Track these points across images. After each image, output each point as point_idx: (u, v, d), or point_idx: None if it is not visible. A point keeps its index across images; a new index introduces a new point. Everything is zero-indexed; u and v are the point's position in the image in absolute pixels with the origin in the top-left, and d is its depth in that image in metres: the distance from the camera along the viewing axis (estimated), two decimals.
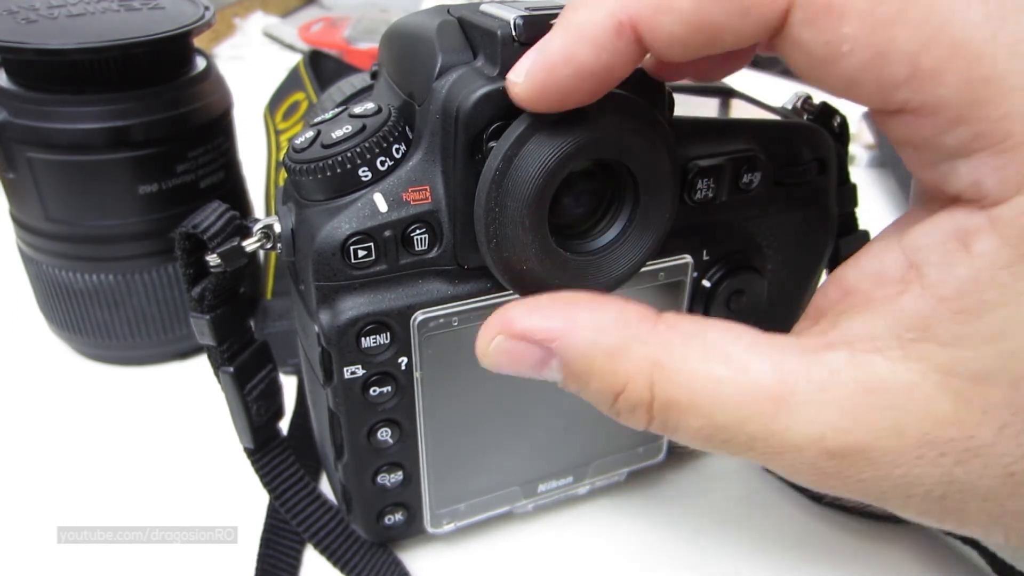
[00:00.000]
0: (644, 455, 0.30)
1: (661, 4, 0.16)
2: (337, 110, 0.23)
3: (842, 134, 0.28)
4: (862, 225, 0.30)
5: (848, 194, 0.29)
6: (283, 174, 0.23)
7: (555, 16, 0.19)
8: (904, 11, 0.15)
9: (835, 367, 0.16)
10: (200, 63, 0.35)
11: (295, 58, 0.64)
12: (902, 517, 0.18)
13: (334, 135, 0.21)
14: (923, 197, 0.18)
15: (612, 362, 0.18)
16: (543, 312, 0.19)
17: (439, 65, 0.20)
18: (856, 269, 0.18)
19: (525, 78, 0.17)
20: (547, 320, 0.19)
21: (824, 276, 0.30)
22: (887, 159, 0.57)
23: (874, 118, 0.17)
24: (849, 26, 0.15)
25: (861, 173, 0.56)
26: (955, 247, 0.16)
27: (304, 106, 0.43)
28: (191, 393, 0.36)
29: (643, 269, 0.24)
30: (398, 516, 0.27)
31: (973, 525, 0.17)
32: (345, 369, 0.22)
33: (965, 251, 0.15)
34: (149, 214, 0.33)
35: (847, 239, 0.30)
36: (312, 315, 0.22)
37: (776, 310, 0.29)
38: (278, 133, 0.44)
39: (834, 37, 0.15)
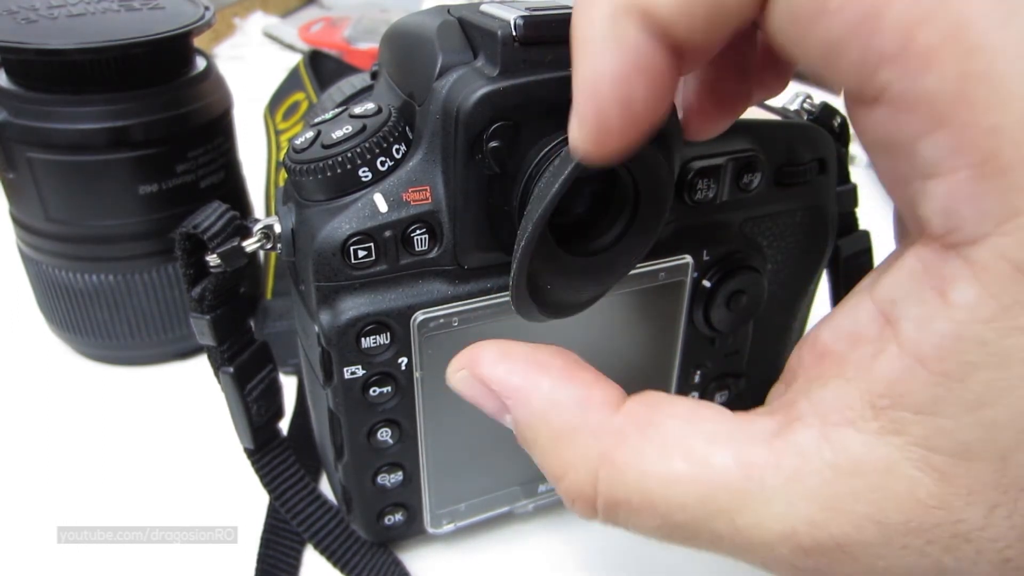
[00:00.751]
0: None
1: None
2: (337, 110, 0.23)
3: (842, 134, 0.28)
4: (862, 225, 0.30)
5: (848, 194, 0.29)
6: (283, 174, 0.23)
7: (555, 16, 0.19)
8: None
9: (805, 450, 0.15)
10: (200, 63, 0.35)
11: (295, 58, 0.64)
12: None
13: (334, 135, 0.21)
14: (900, 230, 0.17)
15: (556, 444, 0.17)
16: (510, 365, 0.18)
17: (439, 65, 0.20)
18: (831, 329, 0.16)
19: (579, 128, 0.15)
20: (510, 375, 0.18)
21: (824, 277, 0.30)
22: None
23: (849, 111, 0.15)
24: None
25: (861, 173, 0.56)
26: (931, 297, 0.13)
27: (304, 106, 0.43)
28: (191, 393, 0.36)
29: (644, 269, 0.24)
30: (398, 516, 0.27)
31: None
32: (345, 369, 0.22)
33: (942, 302, 0.13)
34: (149, 214, 0.33)
35: (847, 239, 0.30)
36: (312, 315, 0.22)
37: (776, 310, 0.29)
38: (278, 133, 0.44)
39: None
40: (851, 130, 0.28)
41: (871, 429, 0.14)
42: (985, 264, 0.13)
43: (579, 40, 0.15)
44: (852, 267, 0.30)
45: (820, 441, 0.15)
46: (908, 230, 0.15)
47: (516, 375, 0.18)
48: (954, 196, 0.13)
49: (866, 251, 0.31)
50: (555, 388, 0.18)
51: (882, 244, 0.30)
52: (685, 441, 0.16)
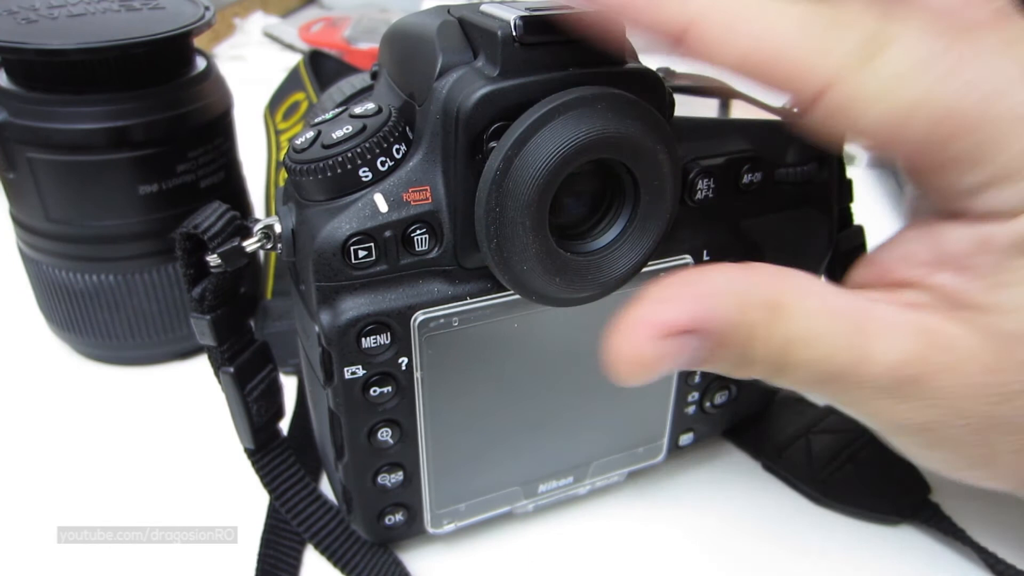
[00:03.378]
0: (644, 455, 0.30)
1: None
2: (337, 110, 0.23)
3: None
4: (861, 223, 0.30)
5: (844, 190, 0.29)
6: (283, 174, 0.23)
7: (555, 16, 0.19)
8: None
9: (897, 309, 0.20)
10: (200, 63, 0.35)
11: (295, 58, 0.64)
12: (933, 465, 0.22)
13: (334, 135, 0.21)
14: (932, 212, 0.21)
15: (762, 315, 0.19)
16: (672, 300, 0.19)
17: (439, 65, 0.20)
18: (887, 253, 0.22)
19: None
20: (682, 304, 0.19)
21: (822, 279, 0.30)
22: (887, 159, 0.57)
23: (913, 173, 0.21)
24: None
25: (860, 173, 0.56)
26: (981, 247, 0.19)
27: (304, 106, 0.43)
28: (191, 393, 0.36)
29: (644, 269, 0.24)
30: (398, 516, 0.27)
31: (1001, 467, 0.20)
32: (345, 369, 0.22)
33: (987, 252, 0.19)
34: (149, 214, 0.33)
35: (843, 234, 0.30)
36: (313, 315, 0.22)
37: None
38: (278, 133, 0.44)
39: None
40: None
41: (945, 318, 0.19)
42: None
43: None
44: (847, 263, 0.30)
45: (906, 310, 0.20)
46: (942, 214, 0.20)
47: (685, 300, 0.19)
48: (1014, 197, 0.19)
49: (860, 247, 0.31)
50: (724, 279, 0.20)
51: (878, 241, 0.30)
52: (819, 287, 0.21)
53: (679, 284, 0.19)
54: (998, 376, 0.19)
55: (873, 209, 0.48)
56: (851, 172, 0.29)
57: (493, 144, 0.19)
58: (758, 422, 0.33)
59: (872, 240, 0.31)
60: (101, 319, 0.35)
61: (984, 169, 0.18)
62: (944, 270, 0.20)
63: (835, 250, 0.30)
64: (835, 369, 0.19)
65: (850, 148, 0.29)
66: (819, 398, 0.21)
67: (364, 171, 0.21)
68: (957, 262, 0.20)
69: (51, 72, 0.31)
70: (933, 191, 0.20)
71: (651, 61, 0.22)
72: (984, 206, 0.19)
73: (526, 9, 0.19)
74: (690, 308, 0.18)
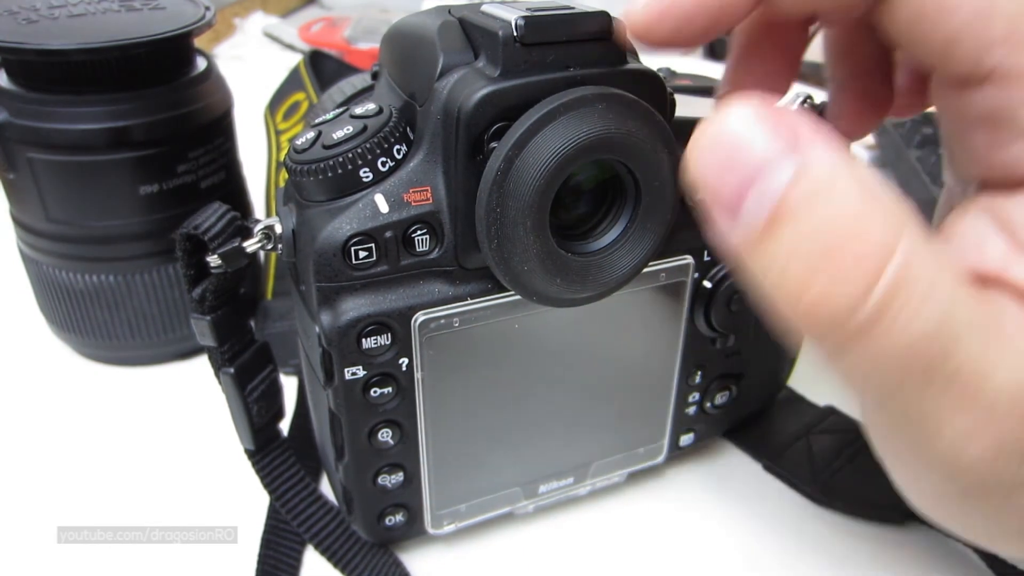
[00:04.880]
0: (644, 456, 0.30)
1: None
2: (338, 111, 0.23)
3: None
4: None
5: None
6: (284, 174, 0.23)
7: (556, 16, 0.19)
8: None
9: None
10: (201, 63, 0.35)
11: (295, 58, 0.64)
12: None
13: (335, 136, 0.21)
14: (978, 186, 0.18)
15: (866, 201, 0.14)
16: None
17: (440, 66, 0.20)
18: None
19: (644, 5, 0.18)
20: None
21: None
22: (887, 159, 0.57)
23: (948, 97, 0.18)
24: None
25: None
26: None
27: (304, 106, 0.43)
28: (191, 393, 0.36)
29: (645, 269, 0.24)
30: (399, 517, 0.27)
31: None
32: (346, 370, 0.22)
33: None
34: (150, 215, 0.33)
35: None
36: (313, 316, 0.22)
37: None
38: (278, 133, 0.44)
39: None
40: None
41: None
42: None
43: None
44: None
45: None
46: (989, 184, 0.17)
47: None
48: None
49: None
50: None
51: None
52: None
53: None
54: None
55: None
56: None
57: (494, 144, 0.19)
58: (758, 422, 0.33)
59: None
60: (101, 319, 0.35)
61: None
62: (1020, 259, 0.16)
63: None
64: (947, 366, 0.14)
65: (854, 148, 0.29)
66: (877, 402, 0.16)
67: (365, 171, 0.21)
68: None
69: (51, 72, 0.31)
70: (983, 138, 0.17)
71: (651, 61, 0.22)
72: None
73: (527, 9, 0.19)
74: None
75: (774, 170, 0.14)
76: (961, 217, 0.17)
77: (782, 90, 0.22)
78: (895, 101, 0.23)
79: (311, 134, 0.22)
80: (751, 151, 0.14)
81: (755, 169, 0.14)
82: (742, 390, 0.30)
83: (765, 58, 0.23)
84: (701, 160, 0.15)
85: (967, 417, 0.14)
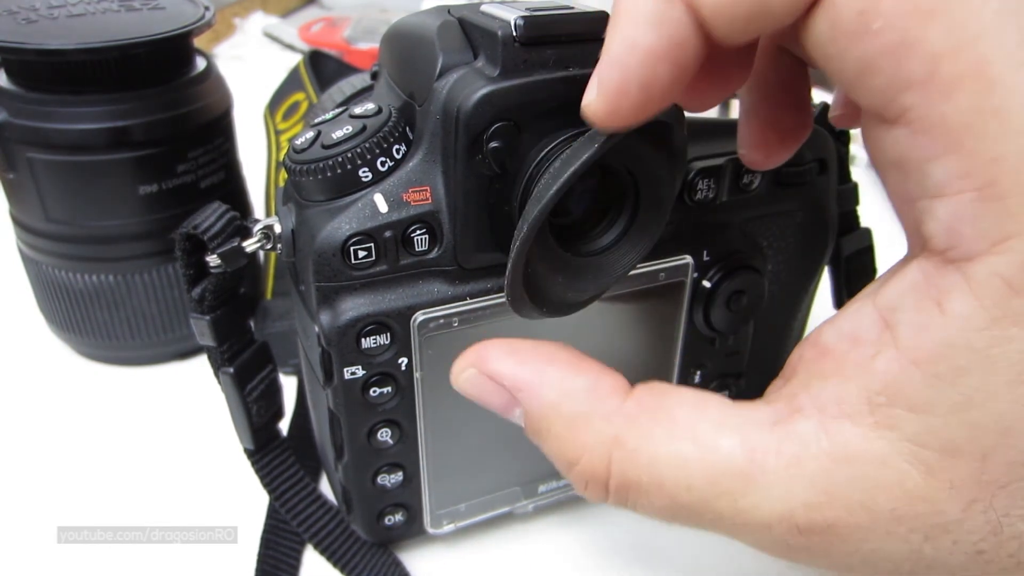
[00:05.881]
0: None
1: None
2: (337, 110, 0.23)
3: (843, 134, 0.28)
4: (863, 223, 0.30)
5: (849, 193, 0.29)
6: (283, 174, 0.23)
7: (556, 16, 0.19)
8: (944, 10, 0.13)
9: (805, 439, 0.16)
10: (200, 63, 0.35)
11: (295, 58, 0.64)
12: None
13: (334, 136, 0.21)
14: (907, 244, 0.17)
15: (570, 430, 0.18)
16: (518, 358, 0.19)
17: (440, 66, 0.20)
18: (833, 329, 0.17)
19: (597, 92, 0.16)
20: (519, 367, 0.19)
21: (825, 276, 0.30)
22: None
23: (866, 129, 0.16)
24: (889, 2, 0.14)
25: (861, 173, 0.56)
26: (929, 306, 0.15)
27: (304, 106, 0.43)
28: (191, 393, 0.36)
29: (644, 269, 0.24)
30: (398, 517, 0.27)
31: None
32: (345, 370, 0.22)
33: (939, 311, 0.14)
34: (149, 214, 0.33)
35: (848, 237, 0.30)
36: (312, 316, 0.22)
37: (776, 310, 0.29)
38: (278, 133, 0.44)
39: (870, 7, 0.14)
40: (851, 131, 0.28)
41: (867, 423, 0.15)
42: (979, 279, 0.14)
43: (623, 10, 0.16)
44: (854, 265, 0.30)
45: (819, 431, 0.16)
46: (911, 245, 0.16)
47: (526, 368, 0.19)
48: (956, 216, 0.14)
49: (868, 249, 0.31)
50: (565, 378, 0.19)
51: (883, 242, 0.30)
52: (693, 426, 0.17)
53: (540, 352, 0.19)
54: (923, 506, 0.15)
55: (873, 210, 0.48)
56: (853, 174, 0.29)
57: (493, 144, 0.19)
58: None
59: (879, 241, 0.31)
60: (101, 319, 0.35)
61: (959, 159, 0.14)
62: (884, 351, 0.16)
63: (840, 253, 0.30)
64: (707, 517, 0.17)
65: (854, 148, 0.29)
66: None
67: (364, 171, 0.21)
68: (899, 337, 0.15)
69: (51, 72, 0.31)
70: (894, 185, 0.16)
71: None
72: (938, 224, 0.15)
73: (526, 9, 0.19)
74: (516, 372, 0.19)
75: (513, 416, 0.20)
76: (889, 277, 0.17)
77: (799, 129, 0.21)
78: (838, 113, 0.21)
79: (310, 134, 0.22)
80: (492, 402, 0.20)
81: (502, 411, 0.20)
82: (741, 390, 0.30)
83: (772, 104, 0.21)
84: (463, 390, 0.20)
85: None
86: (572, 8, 0.20)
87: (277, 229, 0.23)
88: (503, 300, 0.23)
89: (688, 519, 0.17)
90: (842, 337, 0.17)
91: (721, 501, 0.16)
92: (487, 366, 0.19)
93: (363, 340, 0.22)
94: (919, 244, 0.15)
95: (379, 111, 0.22)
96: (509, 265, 0.19)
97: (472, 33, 0.21)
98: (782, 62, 0.20)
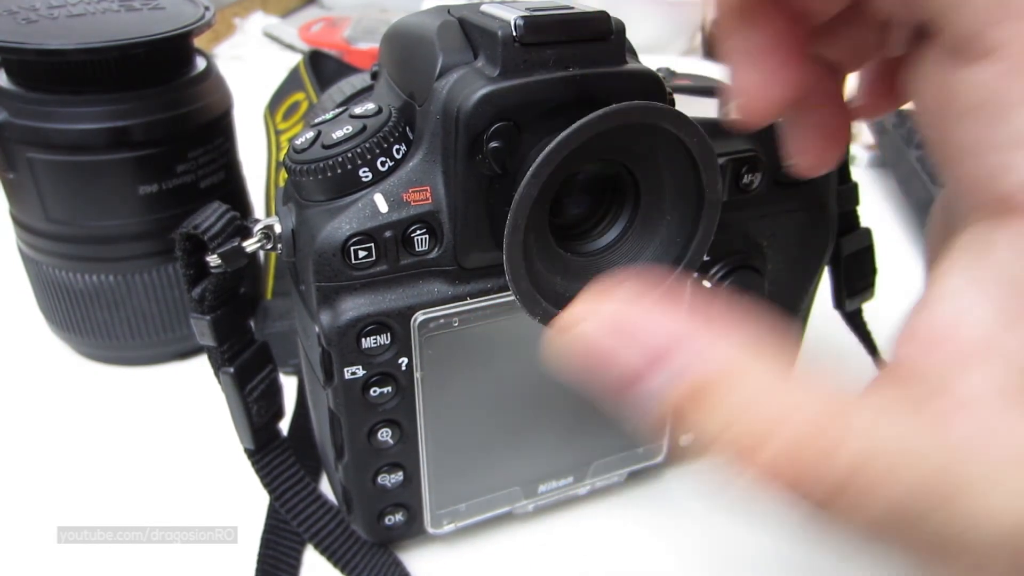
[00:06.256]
0: (644, 455, 0.30)
1: None
2: (337, 110, 0.23)
3: None
4: (863, 223, 0.30)
5: (849, 193, 0.29)
6: (283, 174, 0.23)
7: (555, 16, 0.19)
8: None
9: (1010, 431, 0.12)
10: (200, 63, 0.35)
11: (295, 58, 0.64)
12: None
13: (335, 135, 0.21)
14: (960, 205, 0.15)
15: (768, 399, 0.14)
16: (662, 306, 0.15)
17: (440, 65, 0.20)
18: (930, 318, 0.14)
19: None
20: (674, 317, 0.14)
21: (825, 275, 0.30)
22: (887, 159, 0.57)
23: (933, 72, 0.14)
24: None
25: (861, 173, 0.56)
26: None
27: (304, 106, 0.43)
28: (191, 393, 0.36)
29: None
30: (398, 516, 0.27)
31: None
32: (346, 370, 0.22)
33: None
34: (149, 214, 0.33)
35: (849, 237, 0.30)
36: (313, 316, 0.22)
37: (776, 310, 0.29)
38: (278, 133, 0.44)
39: None
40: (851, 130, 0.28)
41: None
42: None
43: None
44: (854, 265, 0.30)
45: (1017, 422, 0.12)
46: (969, 206, 0.14)
47: (684, 319, 0.14)
48: None
49: (868, 249, 0.31)
50: (739, 334, 0.14)
51: (885, 243, 0.30)
52: (898, 420, 0.13)
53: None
54: None
55: (873, 210, 0.48)
56: (853, 174, 0.29)
57: (493, 144, 0.19)
58: None
59: (879, 241, 0.31)
60: (101, 319, 0.35)
61: None
62: (1013, 326, 0.13)
63: (840, 253, 0.30)
64: (917, 530, 0.13)
65: (854, 149, 0.29)
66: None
67: (364, 171, 0.21)
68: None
69: (51, 72, 0.31)
70: (967, 147, 0.14)
71: (651, 61, 0.22)
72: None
73: (526, 9, 0.19)
74: (671, 323, 0.14)
75: (643, 386, 0.14)
76: (947, 261, 0.14)
77: (844, 130, 0.21)
78: (864, 103, 0.21)
79: (311, 134, 0.22)
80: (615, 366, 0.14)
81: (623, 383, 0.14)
82: None
83: (817, 112, 0.20)
84: (573, 348, 0.15)
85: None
86: (572, 8, 0.20)
87: (277, 229, 0.23)
88: (504, 300, 0.23)
89: (897, 532, 0.14)
90: (950, 323, 0.14)
91: (938, 509, 0.13)
92: (623, 315, 0.15)
93: (363, 340, 0.22)
94: (986, 203, 0.13)
95: (379, 111, 0.22)
96: (505, 240, 0.19)
97: (472, 33, 0.21)
98: (818, 69, 0.20)
